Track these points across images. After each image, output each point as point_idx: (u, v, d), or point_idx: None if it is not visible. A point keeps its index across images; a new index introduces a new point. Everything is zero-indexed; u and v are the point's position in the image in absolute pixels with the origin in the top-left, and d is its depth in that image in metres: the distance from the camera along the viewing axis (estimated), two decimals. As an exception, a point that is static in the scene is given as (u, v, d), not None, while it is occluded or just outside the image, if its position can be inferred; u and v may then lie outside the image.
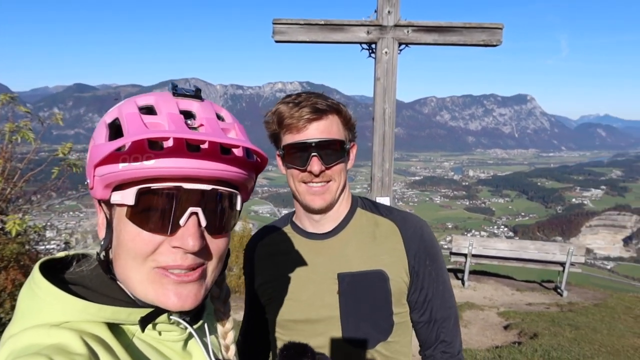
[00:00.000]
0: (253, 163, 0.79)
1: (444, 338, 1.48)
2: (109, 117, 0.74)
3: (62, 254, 0.85)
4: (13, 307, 3.61)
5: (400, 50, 6.09)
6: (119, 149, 0.67)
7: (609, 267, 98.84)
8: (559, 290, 9.59)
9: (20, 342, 0.65)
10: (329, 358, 0.91)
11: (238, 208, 0.80)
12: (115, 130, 0.72)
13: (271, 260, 1.55)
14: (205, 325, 0.89)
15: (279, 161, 1.48)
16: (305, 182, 1.41)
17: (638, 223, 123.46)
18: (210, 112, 0.75)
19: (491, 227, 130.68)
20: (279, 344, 1.52)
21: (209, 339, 0.89)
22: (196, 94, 0.76)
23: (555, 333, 6.47)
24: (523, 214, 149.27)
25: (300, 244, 1.52)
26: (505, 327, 7.11)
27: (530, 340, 6.24)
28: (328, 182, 1.41)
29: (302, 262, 1.48)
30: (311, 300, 1.45)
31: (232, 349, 0.95)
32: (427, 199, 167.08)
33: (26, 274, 3.78)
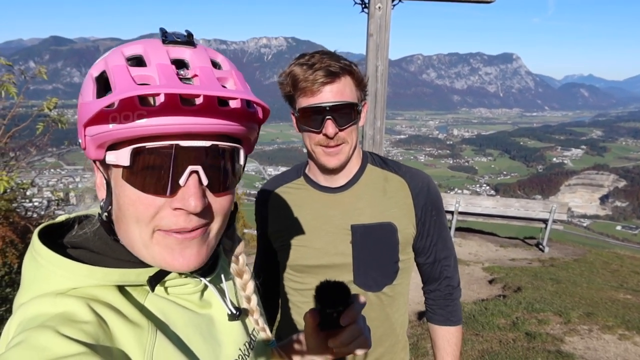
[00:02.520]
0: (254, 113, 0.74)
1: (447, 274, 1.65)
2: (95, 70, 0.68)
3: (62, 217, 0.82)
4: (4, 264, 3.58)
5: (394, 5, 5.92)
6: (107, 106, 0.62)
7: (585, 224, 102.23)
8: (540, 247, 9.89)
9: (28, 311, 0.64)
10: (359, 299, 0.91)
11: (241, 163, 0.76)
12: (104, 83, 0.66)
13: (286, 210, 1.62)
14: (222, 276, 0.88)
15: (294, 121, 1.52)
16: (321, 145, 1.46)
17: (615, 182, 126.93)
18: (205, 60, 0.69)
19: (473, 186, 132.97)
20: (292, 286, 1.64)
21: (226, 287, 0.87)
22: (188, 40, 0.69)
23: (537, 287, 6.71)
24: (505, 172, 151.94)
25: (314, 196, 1.60)
26: (490, 282, 7.34)
27: (514, 294, 6.46)
28: (341, 144, 1.46)
29: (316, 213, 1.57)
30: (326, 249, 1.55)
31: (254, 299, 0.94)
32: (412, 157, 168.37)
33: (16, 231, 3.73)
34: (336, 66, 1.38)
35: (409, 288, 1.71)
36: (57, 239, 0.76)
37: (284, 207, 1.62)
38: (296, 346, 1.08)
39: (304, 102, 1.42)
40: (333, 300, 0.87)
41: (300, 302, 1.63)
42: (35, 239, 0.72)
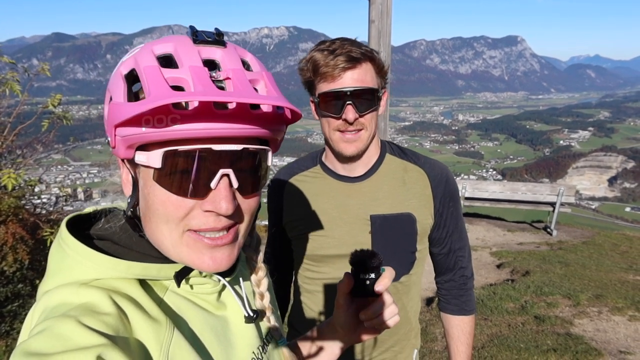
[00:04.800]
0: (282, 114, 0.73)
1: (462, 265, 1.66)
2: (124, 68, 0.68)
3: (89, 209, 0.83)
4: (15, 260, 3.62)
5: (396, -11, 5.85)
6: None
7: (593, 207, 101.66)
8: (548, 230, 9.86)
9: (52, 299, 0.65)
10: (390, 270, 0.95)
11: (269, 164, 0.77)
12: (133, 81, 0.67)
13: (302, 198, 1.60)
14: (240, 277, 0.88)
15: (312, 108, 1.51)
16: (340, 130, 1.45)
17: (623, 163, 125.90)
18: (236, 61, 0.69)
19: (480, 171, 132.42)
20: (308, 275, 1.64)
21: (244, 288, 0.88)
22: (219, 40, 0.69)
23: (546, 270, 6.70)
24: (511, 157, 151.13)
25: (332, 185, 1.59)
26: (498, 266, 7.34)
27: (522, 278, 6.46)
28: (360, 130, 1.45)
29: (334, 203, 1.56)
30: (344, 238, 1.55)
31: (267, 296, 0.94)
32: (417, 144, 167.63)
33: (25, 227, 3.76)
34: (357, 52, 1.37)
35: (422, 277, 1.72)
36: (84, 230, 0.77)
37: (301, 196, 1.61)
38: (314, 341, 1.08)
39: (324, 87, 1.41)
40: (367, 267, 0.91)
41: (316, 291, 1.63)
42: (63, 229, 0.73)
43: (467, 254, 1.68)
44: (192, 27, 0.70)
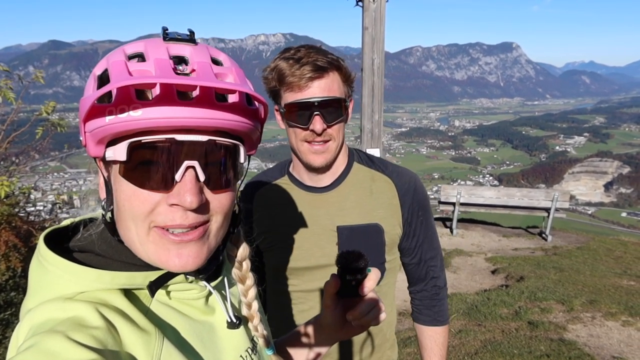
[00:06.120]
0: (254, 111, 0.72)
1: (433, 275, 1.64)
2: (98, 69, 0.68)
3: (67, 221, 0.81)
4: (8, 268, 3.61)
5: (388, -2, 5.90)
6: (103, 100, 0.62)
7: (589, 212, 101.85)
8: (543, 235, 9.88)
9: (37, 316, 0.64)
10: (376, 271, 0.97)
11: (241, 160, 0.75)
12: (105, 81, 0.66)
13: (270, 211, 1.57)
14: (225, 280, 0.87)
15: (278, 117, 1.48)
16: (307, 141, 1.43)
17: (619, 169, 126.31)
18: (205, 56, 0.68)
19: (476, 177, 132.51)
20: (278, 287, 1.61)
21: (229, 293, 0.87)
22: (190, 38, 0.69)
23: (540, 275, 6.72)
24: (508, 162, 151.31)
25: (299, 196, 1.56)
26: (493, 272, 7.36)
27: (517, 283, 6.48)
28: (328, 141, 1.43)
29: (301, 214, 1.53)
30: (312, 250, 1.52)
31: (255, 305, 0.93)
32: (414, 150, 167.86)
33: (19, 235, 3.75)
34: (324, 60, 1.35)
35: (395, 287, 1.70)
36: (63, 243, 0.76)
37: (269, 207, 1.58)
38: (300, 338, 1.09)
39: (290, 97, 1.38)
40: (353, 269, 0.92)
41: (285, 304, 1.60)
42: (41, 244, 0.71)
43: (439, 264, 1.65)
44: (163, 28, 0.70)
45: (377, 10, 5.85)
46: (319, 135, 1.40)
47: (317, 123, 1.37)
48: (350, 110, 1.50)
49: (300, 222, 1.53)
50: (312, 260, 1.52)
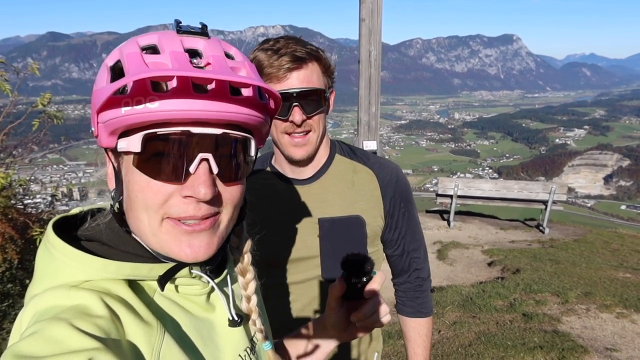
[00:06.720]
0: (265, 105, 0.74)
1: (416, 266, 1.64)
2: (110, 60, 0.69)
3: (76, 210, 0.82)
4: (4, 260, 3.63)
5: (386, -11, 5.88)
6: (120, 91, 0.63)
7: (589, 205, 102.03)
8: (540, 228, 9.91)
9: (42, 302, 0.64)
10: (381, 274, 0.96)
11: (252, 154, 0.77)
12: (118, 73, 0.67)
13: (253, 202, 1.57)
14: (228, 277, 0.88)
15: None
16: (287, 133, 1.42)
17: (619, 161, 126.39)
18: (218, 50, 0.70)
19: (476, 169, 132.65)
20: (263, 281, 1.59)
21: (232, 290, 0.87)
22: (202, 31, 0.70)
23: (536, 268, 6.75)
24: (507, 155, 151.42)
25: (280, 188, 1.56)
26: (489, 264, 7.39)
27: (512, 275, 6.51)
28: (308, 132, 1.43)
29: (283, 206, 1.53)
30: (294, 242, 1.53)
31: (254, 299, 0.94)
32: (413, 142, 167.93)
33: (15, 227, 3.77)
34: (302, 51, 1.34)
35: None
36: (71, 231, 0.76)
37: (251, 200, 1.58)
38: (304, 339, 1.10)
39: None
40: (359, 272, 0.92)
41: (269, 296, 1.60)
42: (49, 231, 0.72)
43: (422, 255, 1.65)
44: (176, 21, 0.71)
45: (374, 2, 5.83)
46: (299, 126, 1.39)
47: (297, 114, 1.37)
48: (331, 101, 1.50)
49: (282, 214, 1.53)
50: (294, 253, 1.52)
